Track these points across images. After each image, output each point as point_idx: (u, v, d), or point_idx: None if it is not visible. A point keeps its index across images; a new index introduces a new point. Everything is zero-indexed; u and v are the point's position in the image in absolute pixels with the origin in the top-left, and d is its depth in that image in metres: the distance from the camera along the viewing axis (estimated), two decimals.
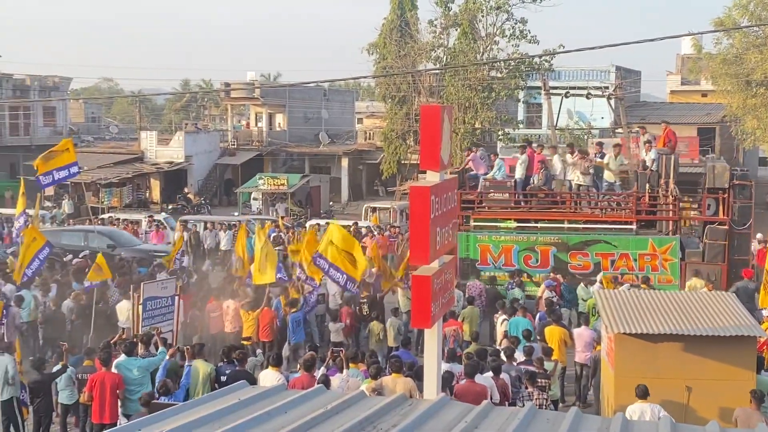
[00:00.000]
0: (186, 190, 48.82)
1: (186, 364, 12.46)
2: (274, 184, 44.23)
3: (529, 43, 43.14)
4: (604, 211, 20.64)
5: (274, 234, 28.34)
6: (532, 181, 20.95)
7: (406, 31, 45.32)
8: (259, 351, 15.55)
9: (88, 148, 55.66)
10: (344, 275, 16.88)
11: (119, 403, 12.18)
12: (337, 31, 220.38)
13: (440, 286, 8.70)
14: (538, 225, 20.53)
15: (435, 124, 8.51)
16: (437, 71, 44.42)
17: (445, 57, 44.23)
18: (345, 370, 12.55)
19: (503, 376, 12.36)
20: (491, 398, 11.22)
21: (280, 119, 60.81)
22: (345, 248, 16.88)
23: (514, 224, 20.52)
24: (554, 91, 26.74)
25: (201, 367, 12.43)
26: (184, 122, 72.20)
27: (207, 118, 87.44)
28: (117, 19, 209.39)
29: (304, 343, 16.51)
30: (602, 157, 21.04)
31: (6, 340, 15.46)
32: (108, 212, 39.46)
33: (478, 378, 11.90)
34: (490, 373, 12.27)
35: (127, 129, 75.55)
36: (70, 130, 61.45)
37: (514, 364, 13.17)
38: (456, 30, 44.15)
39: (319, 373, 12.20)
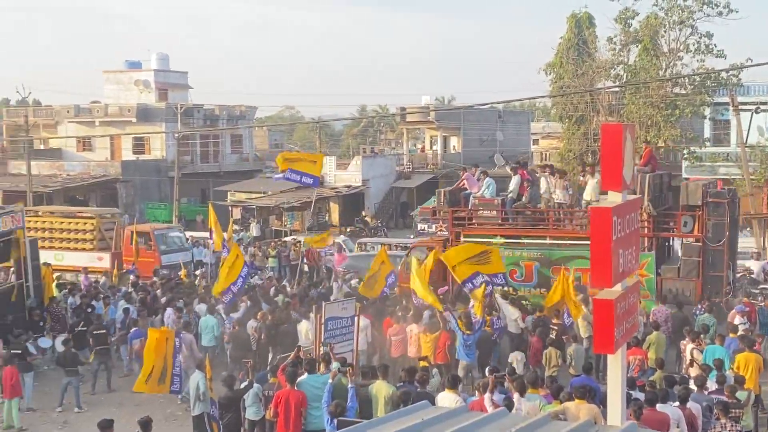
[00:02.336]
0: (363, 213, 49.94)
1: (350, 386, 12.53)
2: None
3: (716, 57, 41.27)
4: (583, 227, 20.74)
5: None
6: (525, 199, 21.81)
7: (584, 49, 44.45)
8: (435, 371, 15.57)
9: (272, 174, 58.07)
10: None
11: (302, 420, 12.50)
12: (512, 53, 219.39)
13: (624, 311, 8.40)
14: (524, 241, 21.18)
15: (617, 143, 8.26)
16: (617, 89, 43.26)
17: (625, 74, 43.03)
18: (516, 395, 12.28)
19: (692, 405, 11.76)
20: (679, 428, 10.70)
21: (454, 142, 61.15)
22: None
23: (502, 240, 20.98)
24: (743, 107, 25.49)
25: (383, 388, 12.56)
26: (361, 147, 74.04)
27: (383, 142, 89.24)
28: (297, 51, 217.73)
29: (481, 365, 16.39)
30: (583, 176, 21.80)
31: (184, 364, 16.34)
32: (291, 235, 40.96)
33: (663, 407, 11.38)
34: (677, 402, 11.71)
35: None
36: (255, 156, 64.38)
37: (705, 393, 12.52)
38: (636, 47, 42.88)
39: (492, 396, 12.03)
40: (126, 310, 20.89)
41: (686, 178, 37.89)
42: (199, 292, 22.30)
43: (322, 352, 14.69)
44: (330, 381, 12.54)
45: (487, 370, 14.14)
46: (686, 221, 20.29)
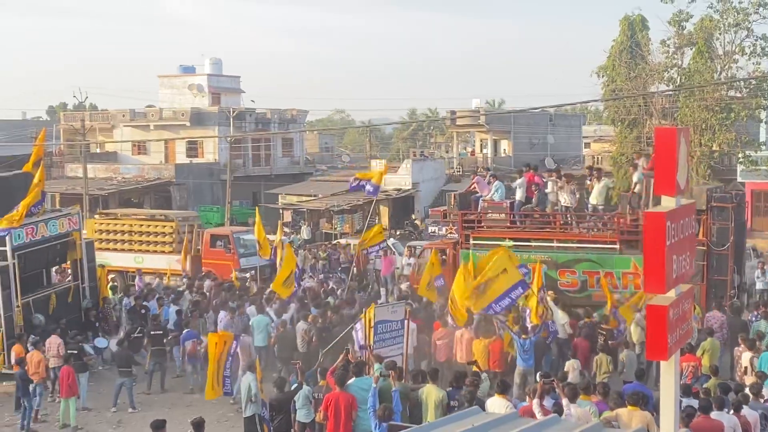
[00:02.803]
0: (413, 216, 49.94)
1: (393, 389, 12.53)
2: None
3: None
4: (590, 231, 21.32)
5: None
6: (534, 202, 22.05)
7: (637, 52, 43.91)
8: (484, 375, 15.50)
9: (322, 177, 58.43)
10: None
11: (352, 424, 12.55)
12: (563, 56, 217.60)
13: (677, 317, 8.29)
14: (532, 244, 21.23)
15: (671, 148, 8.16)
16: (671, 92, 42.65)
17: (679, 78, 42.41)
18: (565, 400, 12.18)
19: (747, 413, 11.55)
20: None
21: (505, 145, 60.88)
22: None
23: (510, 243, 20.84)
24: None
25: (433, 393, 12.56)
26: (411, 150, 74.06)
27: (433, 145, 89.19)
28: (347, 54, 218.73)
29: (534, 370, 16.28)
30: (590, 180, 21.94)
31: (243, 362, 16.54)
32: (341, 238, 41.16)
33: (717, 414, 11.20)
34: (732, 410, 11.51)
35: (357, 158, 78.51)
36: (306, 160, 64.84)
37: (761, 401, 12.28)
38: (690, 49, 42.24)
39: (542, 402, 11.95)
40: (179, 312, 21.22)
41: (741, 183, 37.30)
42: (250, 294, 22.52)
43: (373, 356, 14.74)
44: (373, 385, 12.55)
45: (538, 375, 14.05)
46: None
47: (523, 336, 16.40)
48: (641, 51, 44.12)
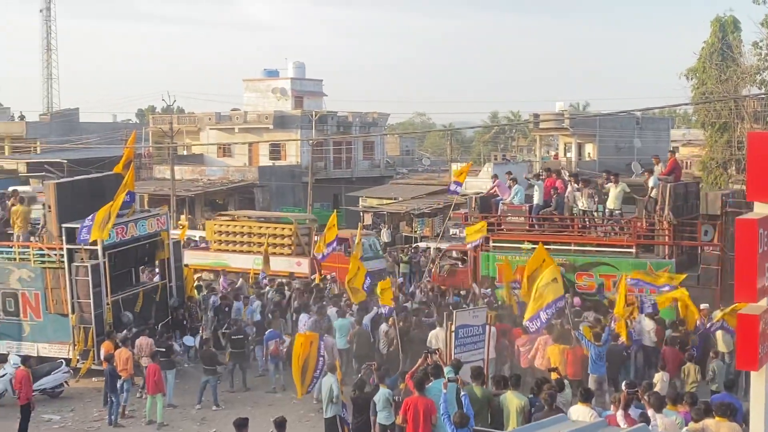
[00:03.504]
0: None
1: (462, 393, 12.44)
2: None
3: None
4: (607, 235, 21.73)
5: None
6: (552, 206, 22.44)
7: (728, 54, 42.73)
8: (566, 382, 15.28)
9: (403, 180, 58.48)
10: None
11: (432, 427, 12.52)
12: (650, 58, 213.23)
13: None
14: (551, 247, 21.13)
15: (764, 152, 7.94)
16: (763, 96, 41.36)
17: None
18: (650, 411, 11.90)
19: None
20: None
21: (589, 149, 59.91)
22: None
23: (529, 246, 21.27)
24: None
25: (514, 400, 12.45)
26: (492, 153, 73.58)
27: (515, 149, 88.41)
28: (429, 57, 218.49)
29: (610, 378, 16.01)
30: (607, 185, 22.21)
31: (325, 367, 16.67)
32: (420, 241, 41.14)
33: None
34: None
35: (438, 161, 78.42)
36: (387, 163, 65.05)
37: None
38: None
39: (627, 411, 11.72)
40: (262, 312, 21.52)
41: None
42: (330, 295, 22.71)
43: (453, 360, 14.69)
44: (443, 391, 12.51)
45: (623, 384, 13.80)
46: (707, 230, 20.54)
47: (597, 344, 16.19)
48: (732, 53, 42.93)
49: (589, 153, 59.77)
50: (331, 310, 20.41)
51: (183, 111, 79.50)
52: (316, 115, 57.38)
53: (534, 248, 20.53)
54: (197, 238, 35.54)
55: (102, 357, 18.62)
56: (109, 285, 19.92)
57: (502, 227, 22.86)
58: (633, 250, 20.96)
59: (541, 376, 14.37)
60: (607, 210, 21.98)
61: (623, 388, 13.03)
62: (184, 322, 21.91)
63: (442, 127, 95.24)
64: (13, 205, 21.42)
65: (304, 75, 66.06)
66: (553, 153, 67.39)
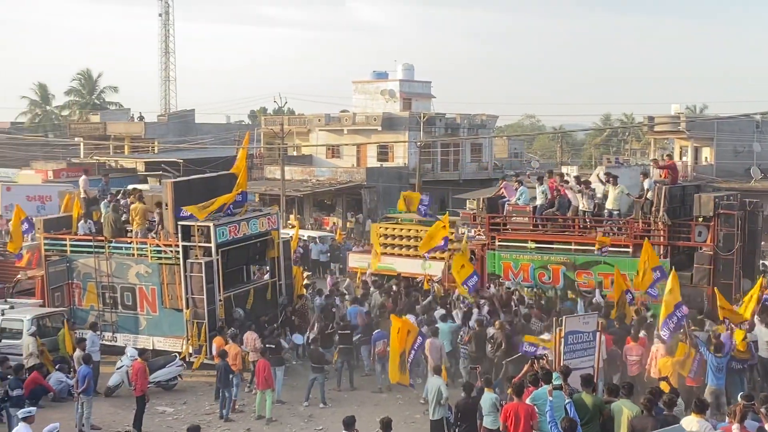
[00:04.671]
0: None
1: (567, 401, 12.19)
2: None
3: None
4: (606, 235, 22.29)
5: None
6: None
7: None
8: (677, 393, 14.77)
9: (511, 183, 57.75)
10: None
11: None
12: None
13: None
14: (553, 246, 22.61)
15: None
16: None
17: None
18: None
19: None
20: None
21: (707, 153, 57.92)
22: None
23: (533, 245, 22.62)
24: None
25: (626, 408, 12.12)
26: (604, 156, 71.99)
27: (628, 152, 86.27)
28: (539, 59, 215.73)
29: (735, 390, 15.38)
30: (606, 186, 22.98)
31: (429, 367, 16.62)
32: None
33: None
34: None
35: (547, 164, 77.25)
36: (495, 165, 64.49)
37: None
38: None
39: (743, 425, 11.22)
40: (367, 313, 21.61)
41: None
42: (437, 297, 22.62)
43: (562, 366, 14.40)
44: (549, 398, 12.32)
45: (740, 396, 13.25)
46: (700, 231, 21.21)
47: (718, 354, 15.63)
48: None
49: (706, 157, 57.77)
50: (438, 312, 20.32)
51: (293, 112, 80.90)
52: (424, 117, 57.40)
53: (537, 247, 22.46)
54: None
55: (214, 352, 19.10)
56: (222, 282, 20.38)
57: (508, 227, 23.76)
58: (630, 250, 21.65)
59: (655, 386, 13.93)
60: (606, 210, 22.71)
61: (740, 400, 12.52)
62: (293, 320, 22.22)
63: (551, 129, 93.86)
64: (132, 203, 22.18)
65: (413, 77, 66.19)
66: (667, 156, 65.34)
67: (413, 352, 17.64)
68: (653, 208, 21.66)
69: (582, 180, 24.12)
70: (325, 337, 20.19)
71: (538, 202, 23.43)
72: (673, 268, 18.37)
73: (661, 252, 21.41)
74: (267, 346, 18.58)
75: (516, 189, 24.39)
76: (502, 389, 14.97)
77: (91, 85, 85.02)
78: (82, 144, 69.56)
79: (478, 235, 25.01)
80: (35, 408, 14.68)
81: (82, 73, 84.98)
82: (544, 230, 23.35)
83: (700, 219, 21.22)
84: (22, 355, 19.05)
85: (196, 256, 20.17)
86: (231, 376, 17.82)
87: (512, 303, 20.83)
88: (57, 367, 19.26)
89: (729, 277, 20.62)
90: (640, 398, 12.91)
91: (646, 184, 22.22)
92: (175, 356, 20.12)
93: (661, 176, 22.86)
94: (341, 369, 19.83)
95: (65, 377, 18.92)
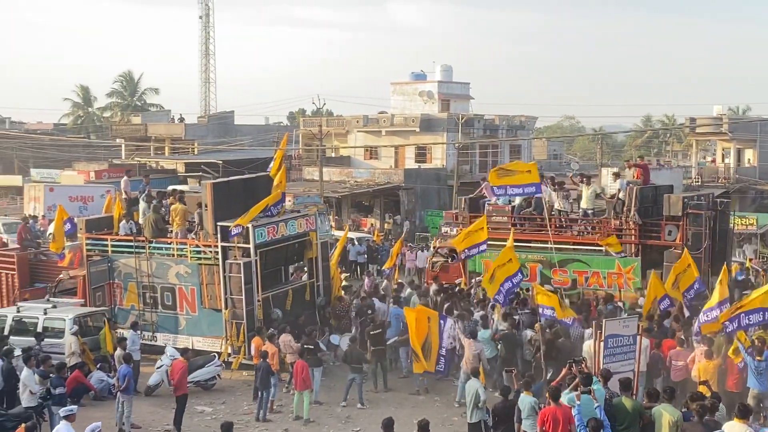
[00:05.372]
0: None
1: (596, 405, 12.15)
2: (741, 224, 41.44)
3: None
4: (580, 234, 23.22)
5: (742, 277, 26.50)
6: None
7: None
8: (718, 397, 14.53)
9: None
10: None
11: None
12: None
13: None
14: (531, 245, 23.41)
15: None
16: None
17: None
18: None
19: None
20: None
21: (749, 155, 57.07)
22: None
23: (512, 243, 22.17)
24: None
25: (667, 413, 11.97)
26: (645, 158, 71.11)
27: (669, 154, 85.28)
28: (579, 59, 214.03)
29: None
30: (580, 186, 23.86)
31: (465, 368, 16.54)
32: None
33: None
34: None
35: (587, 165, 76.56)
36: None
37: None
38: None
39: None
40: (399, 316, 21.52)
41: None
42: (476, 300, 22.50)
43: (603, 370, 14.25)
44: (576, 402, 12.24)
45: None
46: (670, 230, 21.98)
47: (758, 358, 15.38)
48: None
49: (749, 159, 56.94)
50: (477, 315, 20.20)
51: (332, 114, 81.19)
52: (462, 118, 57.25)
53: (516, 245, 21.98)
54: None
55: (252, 352, 19.18)
56: (260, 282, 20.47)
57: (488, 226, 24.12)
58: (603, 248, 22.29)
59: (696, 390, 13.74)
60: (581, 210, 23.54)
61: None
62: (330, 321, 22.24)
63: (591, 131, 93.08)
64: (172, 203, 22.37)
65: (451, 78, 66.07)
66: (710, 158, 64.55)
67: (443, 336, 17.47)
68: (624, 208, 22.42)
69: (556, 181, 25.03)
70: (362, 338, 20.18)
71: (516, 201, 24.09)
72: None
73: (633, 250, 22.32)
74: (305, 347, 18.60)
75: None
76: (541, 393, 14.83)
77: (132, 87, 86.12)
78: (123, 145, 70.44)
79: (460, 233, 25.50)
80: (76, 406, 14.87)
81: (123, 75, 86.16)
82: (522, 229, 23.98)
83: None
84: (64, 353, 19.28)
85: (235, 256, 20.27)
86: (270, 376, 17.87)
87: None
88: (98, 366, 19.47)
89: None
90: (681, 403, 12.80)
91: (617, 185, 23.16)
92: (214, 356, 20.24)
93: (634, 177, 23.55)
94: (376, 370, 19.79)
95: (106, 376, 19.13)
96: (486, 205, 24.93)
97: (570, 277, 22.75)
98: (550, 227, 22.95)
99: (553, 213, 23.61)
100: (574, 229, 23.51)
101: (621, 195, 22.70)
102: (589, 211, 23.39)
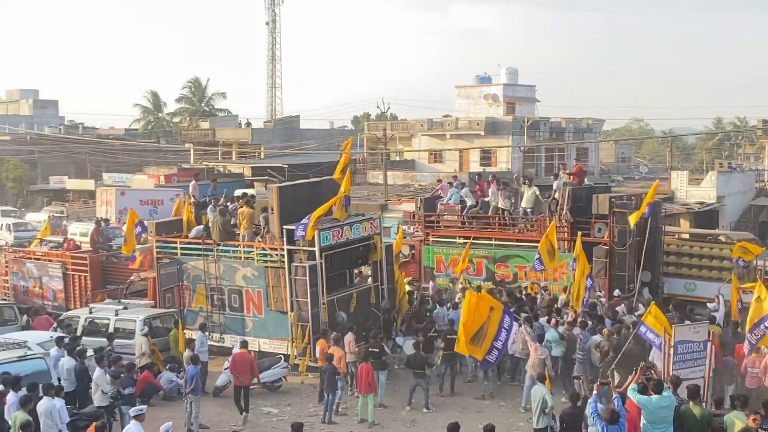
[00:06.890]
0: (717, 231, 46.86)
1: (615, 396, 12.09)
2: None
3: None
4: (520, 231, 25.06)
5: None
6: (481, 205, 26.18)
7: None
8: None
9: (618, 188, 56.55)
10: None
11: None
12: None
13: None
14: (479, 241, 25.22)
15: None
16: None
17: None
18: None
19: None
20: None
21: None
22: None
23: (461, 240, 25.11)
24: None
25: (738, 420, 11.69)
26: (716, 161, 69.64)
27: (741, 156, 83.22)
28: (648, 61, 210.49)
29: None
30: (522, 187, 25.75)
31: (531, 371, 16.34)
32: None
33: None
34: None
35: (656, 169, 75.27)
36: (601, 170, 63.24)
37: None
38: None
39: None
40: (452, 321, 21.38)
41: None
42: (543, 305, 22.29)
43: (673, 375, 13.98)
44: (595, 391, 12.52)
45: None
46: (600, 228, 23.39)
47: None
48: None
49: None
50: (543, 320, 20.00)
51: (396, 117, 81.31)
52: (528, 121, 56.84)
53: (465, 242, 24.57)
54: None
55: (317, 355, 19.29)
56: (326, 285, 20.58)
57: (440, 224, 26.49)
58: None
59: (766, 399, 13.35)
60: (521, 209, 25.32)
61: None
62: (394, 324, 22.23)
63: (661, 133, 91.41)
64: (239, 207, 22.66)
65: (517, 81, 65.63)
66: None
67: (501, 331, 17.10)
68: (558, 207, 23.97)
69: (501, 182, 26.65)
70: (427, 342, 20.12)
71: (468, 202, 26.09)
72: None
73: (566, 246, 23.48)
74: (370, 350, 18.63)
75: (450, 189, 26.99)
76: (609, 399, 14.58)
77: (200, 93, 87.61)
78: (192, 150, 71.71)
79: (417, 231, 28.22)
80: (146, 406, 15.13)
81: (192, 81, 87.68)
82: (471, 227, 25.88)
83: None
84: (134, 354, 19.66)
85: (301, 259, 20.43)
86: (337, 378, 17.94)
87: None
88: (167, 366, 19.81)
89: (623, 269, 22.91)
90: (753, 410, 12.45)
91: (554, 185, 24.92)
92: (280, 358, 20.42)
93: (569, 179, 25.45)
94: (444, 374, 19.72)
95: (175, 377, 19.44)
96: (438, 205, 26.73)
97: (512, 272, 24.77)
98: (495, 225, 25.53)
99: (497, 213, 25.40)
100: (516, 227, 25.36)
101: (557, 195, 24.32)
102: (529, 210, 25.06)
